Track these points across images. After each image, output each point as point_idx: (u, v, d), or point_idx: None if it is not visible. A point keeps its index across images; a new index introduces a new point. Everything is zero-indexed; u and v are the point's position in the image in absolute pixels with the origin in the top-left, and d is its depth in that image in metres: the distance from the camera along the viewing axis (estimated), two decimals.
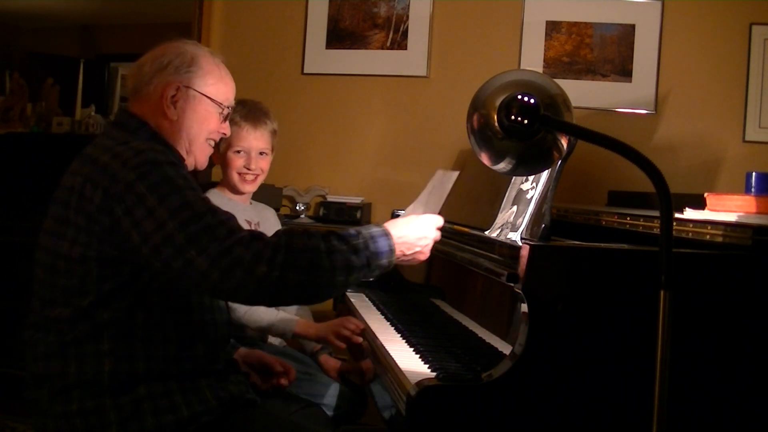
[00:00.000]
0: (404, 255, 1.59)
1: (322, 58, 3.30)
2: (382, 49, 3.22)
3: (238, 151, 2.25)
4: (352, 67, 3.26)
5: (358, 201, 3.15)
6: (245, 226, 2.26)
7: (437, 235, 1.67)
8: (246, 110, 2.27)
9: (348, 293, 2.63)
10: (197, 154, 1.70)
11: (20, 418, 3.14)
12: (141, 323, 1.49)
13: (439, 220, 1.69)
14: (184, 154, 1.68)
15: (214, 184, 2.43)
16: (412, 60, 3.18)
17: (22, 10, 4.66)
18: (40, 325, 1.52)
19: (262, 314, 2.17)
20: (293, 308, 2.49)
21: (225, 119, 1.74)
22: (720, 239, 1.50)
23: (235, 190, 2.31)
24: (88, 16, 4.74)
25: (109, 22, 4.73)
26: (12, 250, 3.84)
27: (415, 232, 1.61)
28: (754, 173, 2.04)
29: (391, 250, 1.53)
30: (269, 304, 1.43)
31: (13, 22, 4.89)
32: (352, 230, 1.51)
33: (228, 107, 1.73)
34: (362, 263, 1.47)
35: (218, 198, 2.27)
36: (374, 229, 1.53)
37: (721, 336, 1.48)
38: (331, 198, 3.19)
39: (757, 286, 1.47)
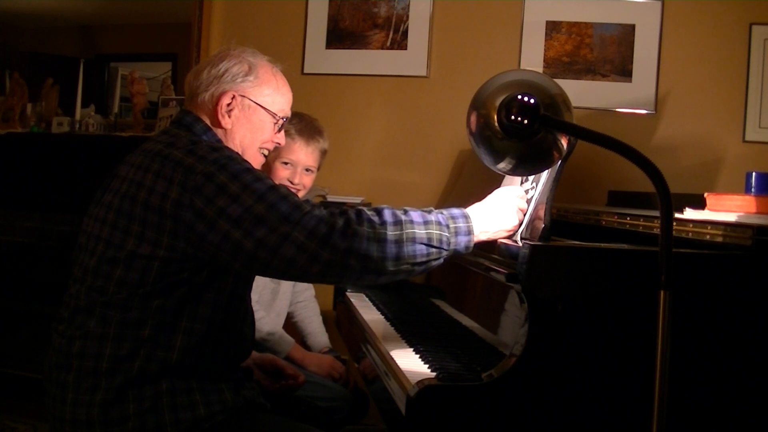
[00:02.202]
0: (488, 236, 1.60)
1: (322, 58, 3.30)
2: (382, 49, 3.22)
3: (286, 163, 2.26)
4: (352, 67, 3.26)
5: (358, 201, 3.14)
6: None
7: (521, 203, 1.66)
8: (302, 125, 2.29)
9: (348, 293, 2.62)
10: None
11: (20, 418, 3.14)
12: (187, 314, 1.50)
13: (518, 190, 1.69)
14: None
15: None
16: (412, 60, 3.18)
17: (22, 10, 4.65)
18: (82, 309, 1.52)
19: (267, 327, 2.19)
20: (309, 303, 2.50)
21: (279, 129, 1.75)
22: (720, 239, 1.50)
23: None
24: (88, 16, 4.73)
25: (109, 22, 4.72)
26: (12, 250, 3.84)
27: (493, 213, 1.61)
28: (754, 173, 2.04)
29: (468, 243, 1.54)
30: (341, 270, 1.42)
31: (13, 22, 4.89)
32: (442, 220, 1.51)
33: (283, 118, 1.73)
34: (438, 257, 1.50)
35: None
36: (460, 225, 1.53)
37: (721, 336, 1.48)
38: (331, 198, 3.19)
39: (757, 286, 1.47)
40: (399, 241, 1.44)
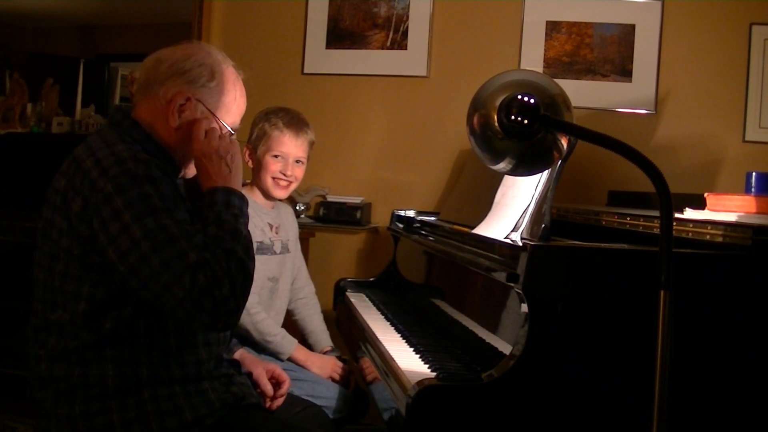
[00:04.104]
0: None
1: (322, 58, 3.30)
2: (382, 49, 3.22)
3: (276, 156, 2.27)
4: (352, 67, 3.26)
5: (358, 201, 3.15)
6: (267, 230, 2.29)
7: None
8: (289, 117, 2.30)
9: (348, 293, 2.63)
10: (188, 167, 1.64)
11: (20, 418, 3.14)
12: (142, 332, 1.48)
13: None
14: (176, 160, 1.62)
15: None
16: (412, 60, 3.18)
17: (22, 10, 4.66)
18: (42, 327, 1.51)
19: (270, 329, 2.18)
20: (310, 300, 2.50)
21: None
22: (720, 239, 1.50)
23: (266, 194, 2.32)
24: (88, 16, 4.74)
25: (109, 22, 4.72)
26: (12, 250, 3.84)
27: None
28: (754, 173, 2.04)
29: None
30: (223, 327, 1.46)
31: (13, 22, 4.89)
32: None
33: (232, 131, 1.65)
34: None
35: None
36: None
37: (720, 336, 1.48)
38: (331, 198, 3.19)
39: (757, 286, 1.47)
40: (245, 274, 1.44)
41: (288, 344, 2.22)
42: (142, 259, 1.37)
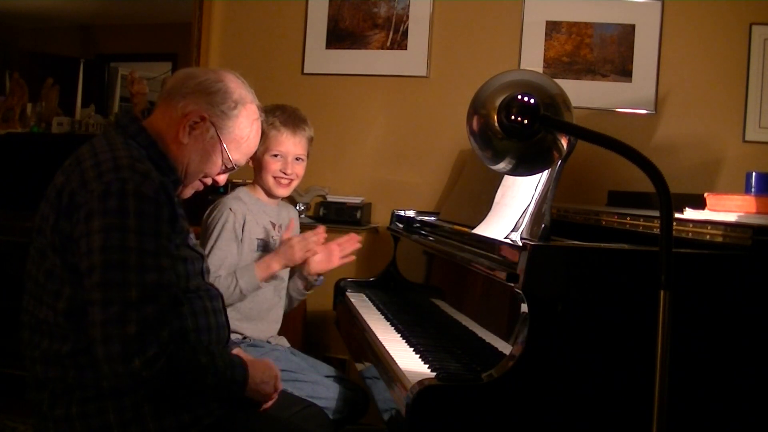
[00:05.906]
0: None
1: (322, 58, 3.30)
2: (382, 49, 3.22)
3: (275, 155, 2.27)
4: (352, 67, 3.26)
5: (358, 201, 3.15)
6: (270, 228, 2.28)
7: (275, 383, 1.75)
8: (285, 116, 2.30)
9: (348, 293, 2.63)
10: (186, 186, 1.65)
11: (20, 418, 3.14)
12: None
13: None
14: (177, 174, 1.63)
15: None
16: (412, 60, 3.18)
17: (22, 10, 4.65)
18: (35, 328, 1.51)
19: (237, 289, 2.16)
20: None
21: (224, 172, 1.69)
22: (720, 239, 1.50)
23: (269, 193, 2.32)
24: (88, 16, 4.73)
25: (109, 22, 4.71)
26: (12, 250, 3.84)
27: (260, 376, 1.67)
28: (754, 173, 2.04)
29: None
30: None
31: (13, 22, 4.88)
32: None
33: (233, 167, 1.66)
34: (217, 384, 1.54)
35: (248, 197, 2.30)
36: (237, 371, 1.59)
37: (720, 336, 1.48)
38: (331, 198, 3.19)
39: (757, 286, 1.47)
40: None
41: (249, 277, 2.18)
42: (88, 268, 1.39)
